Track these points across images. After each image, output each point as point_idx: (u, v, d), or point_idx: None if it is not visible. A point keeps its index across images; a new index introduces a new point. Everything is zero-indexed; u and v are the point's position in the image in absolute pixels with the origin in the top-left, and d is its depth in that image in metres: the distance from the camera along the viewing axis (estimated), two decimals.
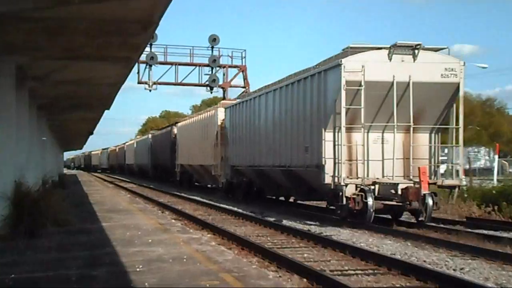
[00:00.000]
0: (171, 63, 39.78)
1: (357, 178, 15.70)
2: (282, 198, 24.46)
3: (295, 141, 18.33)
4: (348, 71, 15.32)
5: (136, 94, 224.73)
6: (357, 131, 15.84)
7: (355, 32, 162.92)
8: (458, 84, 16.00)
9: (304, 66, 18.50)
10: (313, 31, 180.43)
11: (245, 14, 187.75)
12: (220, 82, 40.45)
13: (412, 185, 15.49)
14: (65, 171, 72.41)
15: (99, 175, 73.62)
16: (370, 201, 15.08)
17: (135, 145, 62.53)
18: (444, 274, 9.17)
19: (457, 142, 16.28)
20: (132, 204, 22.17)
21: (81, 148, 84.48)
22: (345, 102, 15.39)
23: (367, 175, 15.75)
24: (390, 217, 16.70)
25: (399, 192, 15.52)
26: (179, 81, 40.25)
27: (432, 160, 16.60)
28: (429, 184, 15.48)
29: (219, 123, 28.32)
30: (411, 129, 15.92)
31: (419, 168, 15.36)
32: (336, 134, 15.71)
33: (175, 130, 40.09)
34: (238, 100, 26.54)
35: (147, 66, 38.61)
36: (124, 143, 75.56)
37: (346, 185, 15.40)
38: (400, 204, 15.52)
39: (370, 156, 16.06)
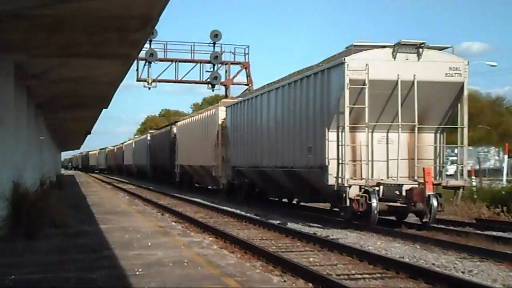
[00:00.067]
0: (171, 60, 38.57)
1: (361, 179, 15.45)
2: (285, 200, 24.03)
3: (297, 142, 18.04)
4: (351, 70, 15.07)
5: (135, 92, 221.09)
6: (361, 131, 15.57)
7: (361, 29, 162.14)
8: (463, 83, 15.81)
9: (311, 63, 18.22)
10: (319, 26, 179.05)
11: (248, 8, 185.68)
12: (222, 80, 39.43)
13: (416, 186, 15.26)
14: (63, 171, 72.20)
15: (97, 176, 73.42)
16: (374, 202, 14.83)
17: (133, 145, 61.88)
18: (452, 276, 9.12)
19: (462, 142, 16.06)
20: (131, 206, 21.91)
21: (78, 148, 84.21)
22: (349, 101, 15.13)
23: (371, 176, 15.49)
24: (395, 219, 16.46)
25: (404, 193, 15.31)
26: (179, 78, 39.08)
27: (437, 160, 16.37)
28: (433, 185, 15.26)
29: (219, 122, 27.93)
30: (416, 129, 15.68)
31: (423, 168, 15.17)
32: (340, 134, 15.44)
33: (174, 129, 39.38)
34: (239, 99, 26.20)
35: (147, 63, 37.43)
36: (122, 143, 75.09)
37: (350, 186, 15.15)
38: (405, 205, 15.29)
39: (374, 157, 15.79)
